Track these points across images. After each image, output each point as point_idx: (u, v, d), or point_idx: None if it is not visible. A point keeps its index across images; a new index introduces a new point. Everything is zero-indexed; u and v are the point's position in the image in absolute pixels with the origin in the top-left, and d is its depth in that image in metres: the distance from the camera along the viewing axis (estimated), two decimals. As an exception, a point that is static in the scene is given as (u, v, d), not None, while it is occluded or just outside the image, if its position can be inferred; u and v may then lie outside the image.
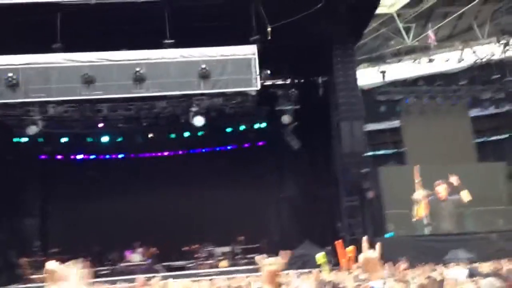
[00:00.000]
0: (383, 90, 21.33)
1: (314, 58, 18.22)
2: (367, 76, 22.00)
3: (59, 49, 15.91)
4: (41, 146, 20.62)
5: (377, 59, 22.67)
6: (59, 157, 22.05)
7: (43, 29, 15.49)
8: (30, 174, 21.35)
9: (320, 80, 19.40)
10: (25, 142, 19.16)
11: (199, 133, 20.27)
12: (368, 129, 20.46)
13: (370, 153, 20.43)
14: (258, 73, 16.51)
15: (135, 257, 18.97)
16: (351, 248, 15.06)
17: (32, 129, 16.82)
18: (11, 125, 17.71)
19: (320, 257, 12.66)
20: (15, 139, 19.04)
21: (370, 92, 21.15)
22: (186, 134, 20.86)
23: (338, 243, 15.40)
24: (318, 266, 15.37)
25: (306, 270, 14.28)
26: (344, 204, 18.08)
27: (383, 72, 21.67)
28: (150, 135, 20.76)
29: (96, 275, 17.98)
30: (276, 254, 19.16)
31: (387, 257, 16.79)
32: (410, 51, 22.93)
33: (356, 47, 19.15)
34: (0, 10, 14.86)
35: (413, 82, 22.44)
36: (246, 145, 22.59)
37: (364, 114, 18.53)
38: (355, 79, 18.31)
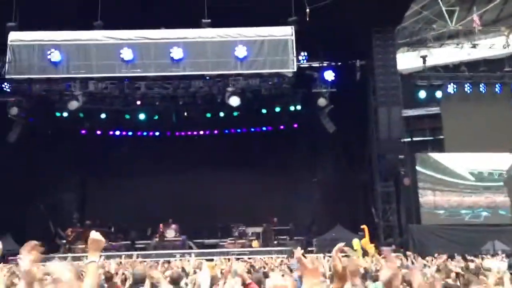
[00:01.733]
0: (423, 75, 20.77)
1: (353, 41, 17.90)
2: (407, 61, 21.41)
3: (100, 27, 16.22)
4: (81, 121, 21.16)
5: (418, 43, 22.00)
6: (98, 132, 22.58)
7: (85, 6, 15.77)
8: (71, 148, 21.98)
9: (358, 63, 19.08)
10: (66, 117, 19.69)
11: (234, 114, 20.30)
12: (406, 115, 20.07)
13: (407, 139, 20.04)
14: (295, 54, 16.38)
15: (169, 233, 19.35)
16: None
17: (73, 105, 17.25)
18: (53, 100, 18.21)
19: (357, 242, 12.63)
20: (57, 114, 19.58)
21: (409, 77, 20.64)
22: (222, 114, 20.94)
23: (365, 228, 15.28)
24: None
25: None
26: (378, 189, 17.91)
27: (424, 57, 21.05)
28: (185, 114, 20.95)
29: (131, 249, 18.55)
30: (307, 237, 19.28)
31: (422, 245, 16.77)
32: (453, 36, 22.15)
33: (396, 31, 18.70)
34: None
35: (455, 67, 21.72)
36: (281, 127, 22.52)
37: (402, 99, 18.18)
38: (395, 63, 17.94)
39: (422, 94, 20.75)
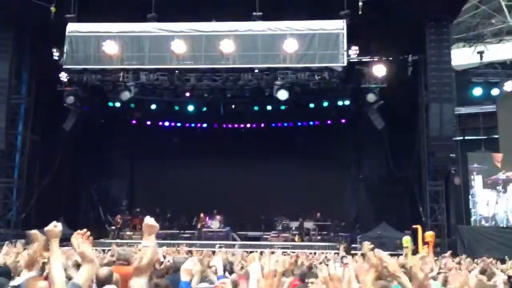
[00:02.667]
0: (479, 72, 20.02)
1: (406, 35, 17.44)
2: (462, 56, 20.68)
3: (153, 19, 16.57)
4: (132, 112, 21.76)
5: (474, 39, 21.21)
6: (148, 122, 23.15)
7: (140, -1, 16.17)
8: (122, 137, 22.68)
9: (410, 58, 18.60)
10: (118, 107, 20.30)
11: (282, 107, 20.31)
12: (459, 112, 19.44)
13: (459, 138, 19.40)
14: (345, 48, 16.16)
15: (214, 224, 19.63)
16: (431, 233, 14.54)
17: (125, 95, 17.74)
18: (106, 90, 18.79)
19: (408, 240, 12.37)
20: (110, 103, 20.20)
21: (464, 74, 19.95)
22: (269, 107, 20.99)
23: (418, 228, 14.92)
24: (395, 249, 15.09)
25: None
26: (427, 188, 17.47)
27: (481, 53, 20.27)
28: (233, 106, 21.13)
29: (176, 237, 18.96)
30: (351, 233, 19.09)
31: (472, 247, 16.24)
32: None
33: (452, 25, 18.09)
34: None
35: (513, 64, 20.82)
36: (328, 122, 22.33)
37: (455, 96, 17.60)
38: (449, 59, 17.35)
39: (477, 91, 20.03)
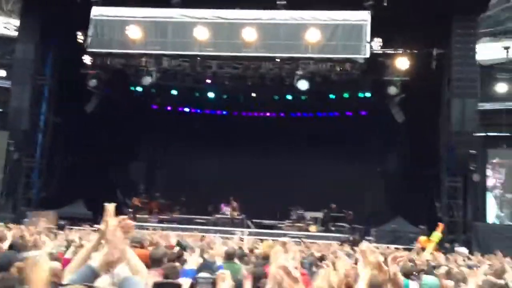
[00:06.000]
0: (505, 68, 19.63)
1: (431, 28, 17.12)
2: (488, 51, 20.26)
3: (177, 5, 16.64)
4: (153, 97, 21.97)
5: (502, 34, 20.74)
6: (168, 108, 23.34)
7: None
8: (142, 122, 22.93)
9: (434, 52, 18.25)
10: (139, 92, 20.50)
11: (302, 97, 20.23)
12: (482, 108, 19.11)
13: (481, 134, 19.09)
14: (368, 40, 16.00)
15: (229, 210, 19.78)
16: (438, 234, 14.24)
17: (147, 80, 17.91)
18: (129, 74, 18.99)
19: (437, 236, 12.31)
20: (131, 88, 20.41)
21: (489, 69, 19.58)
22: (289, 97, 20.93)
23: (441, 225, 14.68)
24: (409, 243, 15.02)
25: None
26: (445, 184, 17.29)
27: (507, 48, 19.83)
28: (253, 95, 21.14)
29: (191, 223, 19.19)
30: (366, 226, 19.06)
31: (487, 244, 16.08)
32: (541, 27, 20.72)
33: (479, 19, 17.72)
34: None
35: (541, 61, 20.33)
36: (348, 113, 22.19)
37: (479, 91, 17.30)
38: (474, 54, 17.02)
39: (502, 87, 19.64)
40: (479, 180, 17.60)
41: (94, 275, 2.42)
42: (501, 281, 5.56)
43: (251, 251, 8.09)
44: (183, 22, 16.78)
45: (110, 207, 3.08)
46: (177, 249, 7.09)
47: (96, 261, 2.48)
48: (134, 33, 16.60)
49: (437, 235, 12.57)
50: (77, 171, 19.63)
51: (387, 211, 19.89)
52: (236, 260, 6.09)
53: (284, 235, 16.81)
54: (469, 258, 11.53)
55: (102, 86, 18.83)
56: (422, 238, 12.88)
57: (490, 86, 19.44)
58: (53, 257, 4.65)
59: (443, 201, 17.19)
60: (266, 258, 5.50)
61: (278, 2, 15.96)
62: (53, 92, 19.48)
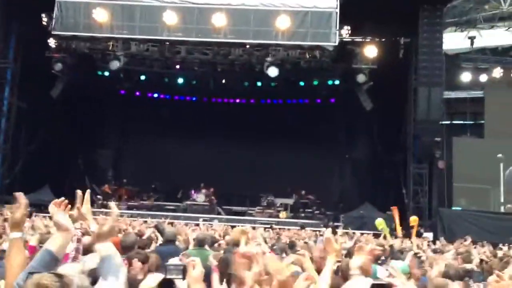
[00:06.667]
0: (469, 57, 20.11)
1: (399, 17, 17.35)
2: (453, 41, 20.70)
3: (145, -12, 16.31)
4: (121, 82, 21.53)
5: (467, 24, 21.18)
6: (137, 93, 22.97)
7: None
8: (109, 107, 22.51)
9: (402, 41, 18.56)
10: (107, 76, 20.07)
11: (272, 84, 20.25)
12: (447, 97, 19.57)
13: (445, 122, 19.58)
14: (337, 28, 16.09)
15: (200, 197, 19.74)
16: (415, 218, 14.72)
17: (114, 64, 17.56)
18: (95, 59, 18.57)
19: (381, 222, 12.57)
20: (98, 72, 19.97)
21: (454, 58, 20.02)
22: (259, 83, 20.90)
23: (394, 209, 15.14)
24: (377, 229, 15.33)
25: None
26: (411, 171, 17.70)
27: (472, 38, 20.30)
28: (223, 81, 21.03)
29: (161, 209, 19.08)
30: (334, 212, 19.32)
31: (452, 230, 16.58)
32: (505, 18, 21.23)
33: (445, 9, 18.06)
34: None
35: (504, 51, 20.90)
36: (318, 100, 22.36)
37: (444, 80, 17.70)
38: (440, 43, 17.39)
39: (466, 76, 20.13)
40: (444, 167, 18.05)
41: (53, 259, 2.33)
42: (467, 266, 5.74)
43: (223, 237, 8.10)
44: (151, 6, 16.49)
45: (83, 194, 3.04)
46: (147, 235, 7.04)
47: (53, 244, 2.38)
48: (100, 16, 16.21)
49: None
50: (42, 157, 19.14)
51: (355, 197, 20.24)
52: (206, 247, 6.10)
53: (254, 221, 16.99)
54: (434, 243, 11.87)
55: (67, 70, 18.37)
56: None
57: (456, 75, 19.90)
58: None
59: (409, 187, 17.61)
60: (236, 245, 5.52)
61: (248, -12, 15.87)
62: (16, 76, 18.88)
